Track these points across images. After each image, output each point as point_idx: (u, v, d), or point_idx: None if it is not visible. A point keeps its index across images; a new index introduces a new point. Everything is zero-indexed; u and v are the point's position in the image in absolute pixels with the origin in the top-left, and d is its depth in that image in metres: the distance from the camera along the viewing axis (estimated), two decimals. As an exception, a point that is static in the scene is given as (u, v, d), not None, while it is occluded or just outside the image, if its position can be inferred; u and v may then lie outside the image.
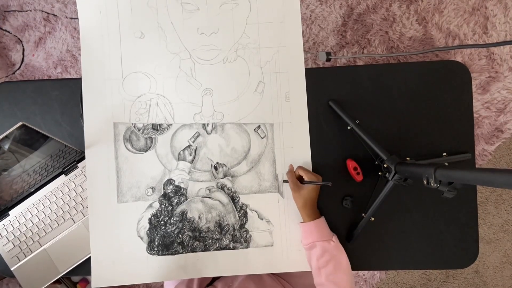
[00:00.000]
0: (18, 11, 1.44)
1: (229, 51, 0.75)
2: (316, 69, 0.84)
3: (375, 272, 1.44)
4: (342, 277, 0.64)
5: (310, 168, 0.74)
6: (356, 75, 0.77)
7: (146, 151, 0.74)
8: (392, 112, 0.76)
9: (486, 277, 1.43)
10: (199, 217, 0.74)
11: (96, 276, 0.72)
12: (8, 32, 1.44)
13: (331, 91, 0.77)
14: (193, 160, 0.75)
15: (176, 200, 0.74)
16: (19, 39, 1.44)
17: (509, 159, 1.39)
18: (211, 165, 0.75)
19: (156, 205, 0.74)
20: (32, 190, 0.76)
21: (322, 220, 0.69)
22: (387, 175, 0.66)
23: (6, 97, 0.79)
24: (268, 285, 0.74)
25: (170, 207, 0.74)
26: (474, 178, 0.43)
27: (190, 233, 0.73)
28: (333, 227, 0.72)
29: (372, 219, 0.72)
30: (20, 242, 0.75)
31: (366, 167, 0.74)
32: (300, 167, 0.71)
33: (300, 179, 0.71)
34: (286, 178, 0.73)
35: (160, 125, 0.75)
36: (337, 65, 1.38)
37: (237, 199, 0.74)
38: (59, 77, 1.42)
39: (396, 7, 1.37)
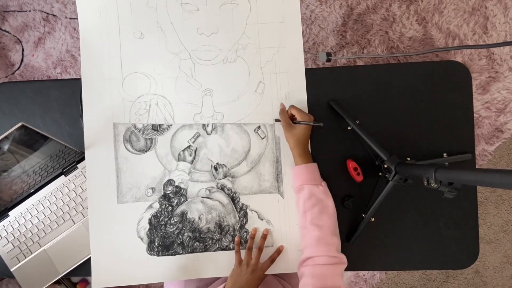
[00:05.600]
0: (17, 11, 1.43)
1: (229, 52, 0.75)
2: (316, 69, 0.84)
3: (375, 272, 1.44)
4: (326, 221, 0.64)
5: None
6: (356, 75, 0.77)
7: (146, 151, 0.74)
8: (392, 112, 0.76)
9: (486, 277, 1.43)
10: (199, 218, 0.74)
11: (96, 277, 0.72)
12: (8, 32, 1.44)
13: (331, 91, 0.76)
14: (193, 161, 0.75)
15: (176, 201, 0.74)
16: (18, 39, 1.44)
17: (509, 159, 1.39)
18: (211, 165, 0.75)
19: (156, 205, 0.74)
20: (32, 191, 0.76)
21: (313, 165, 0.69)
22: (387, 175, 0.66)
23: (6, 98, 0.78)
24: (269, 285, 0.74)
25: (170, 207, 0.74)
26: (474, 179, 0.43)
27: (190, 234, 0.73)
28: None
29: (373, 219, 0.72)
30: (20, 243, 0.74)
31: (366, 167, 0.74)
32: (292, 106, 0.70)
33: (292, 119, 0.70)
34: (278, 119, 0.73)
35: (160, 125, 0.75)
36: (337, 65, 1.38)
37: (237, 199, 0.74)
38: (58, 78, 1.42)
39: (396, 7, 1.37)
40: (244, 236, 0.73)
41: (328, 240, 0.62)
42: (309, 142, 0.72)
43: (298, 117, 0.68)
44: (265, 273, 0.70)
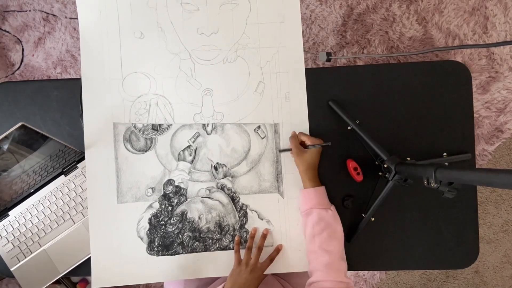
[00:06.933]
0: (17, 11, 1.43)
1: (229, 51, 0.75)
2: (316, 69, 0.84)
3: (375, 272, 1.44)
4: (335, 246, 0.64)
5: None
6: (356, 75, 0.77)
7: (146, 151, 0.74)
8: (392, 112, 0.76)
9: (486, 277, 1.43)
10: (199, 218, 0.74)
11: (96, 277, 0.72)
12: (8, 32, 1.44)
13: (331, 91, 0.76)
14: (193, 161, 0.75)
15: (176, 201, 0.74)
16: (18, 39, 1.44)
17: (509, 159, 1.39)
18: (211, 165, 0.75)
19: (156, 205, 0.74)
20: (32, 190, 0.76)
21: (322, 189, 0.70)
22: (387, 175, 0.66)
23: (6, 98, 0.79)
24: (269, 284, 0.74)
25: (170, 207, 0.74)
26: (474, 178, 0.43)
27: (190, 234, 0.73)
28: (333, 227, 0.72)
29: (373, 219, 0.72)
30: (20, 242, 0.74)
31: (366, 167, 0.74)
32: (301, 133, 0.71)
33: (302, 145, 0.71)
34: (284, 149, 0.74)
35: (160, 125, 0.75)
36: (337, 65, 1.38)
37: (237, 199, 0.74)
38: (58, 77, 1.42)
39: (396, 7, 1.37)
40: (244, 235, 0.73)
41: (336, 266, 0.63)
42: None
43: (309, 142, 0.69)
44: (265, 272, 0.70)
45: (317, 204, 0.67)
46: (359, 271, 1.44)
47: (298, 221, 0.73)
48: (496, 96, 1.36)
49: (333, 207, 0.69)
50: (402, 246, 0.75)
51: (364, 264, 0.75)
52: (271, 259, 0.71)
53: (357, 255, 0.74)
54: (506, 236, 1.41)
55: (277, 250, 0.72)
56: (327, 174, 0.74)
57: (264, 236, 0.72)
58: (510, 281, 1.43)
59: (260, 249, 0.71)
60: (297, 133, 0.73)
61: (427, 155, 0.74)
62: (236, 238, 0.72)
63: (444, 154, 0.74)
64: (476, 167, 1.00)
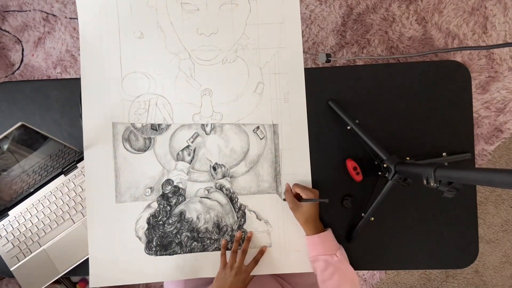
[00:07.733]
0: (17, 11, 1.43)
1: (228, 52, 0.75)
2: (316, 69, 0.84)
3: (375, 272, 1.44)
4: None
5: (309, 172, 0.74)
6: (355, 75, 0.77)
7: (144, 151, 0.74)
8: (392, 112, 0.76)
9: (485, 276, 1.43)
10: (198, 218, 0.74)
11: (94, 276, 0.72)
12: (8, 32, 1.44)
13: (330, 91, 0.76)
14: (191, 161, 0.75)
15: (174, 201, 0.74)
16: (18, 39, 1.44)
17: (508, 158, 1.39)
18: (210, 165, 0.75)
19: (155, 205, 0.74)
20: (32, 190, 0.76)
21: (327, 234, 0.69)
22: (386, 175, 0.66)
23: (6, 97, 0.79)
24: (268, 285, 0.74)
25: (168, 207, 0.74)
26: (473, 178, 0.43)
27: (188, 234, 0.73)
28: (332, 227, 0.72)
29: (372, 219, 0.72)
30: (20, 242, 0.74)
31: (366, 167, 0.74)
32: (296, 185, 0.70)
33: (298, 197, 0.70)
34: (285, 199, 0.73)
35: (159, 125, 0.75)
36: (337, 65, 1.38)
37: (236, 199, 0.74)
38: (58, 77, 1.42)
39: (395, 7, 1.36)
40: (242, 236, 0.73)
41: None
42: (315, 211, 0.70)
43: (303, 195, 0.68)
44: (253, 273, 0.70)
45: (323, 252, 0.67)
46: (359, 271, 1.44)
47: (296, 223, 0.73)
48: (496, 96, 1.36)
49: (340, 251, 0.68)
50: (401, 245, 0.75)
51: (364, 264, 0.75)
52: (255, 261, 0.70)
53: (357, 255, 0.74)
54: (506, 236, 1.41)
55: (261, 252, 0.72)
56: (327, 174, 0.74)
57: (248, 239, 0.72)
58: (510, 280, 1.42)
59: (244, 251, 0.70)
60: (291, 186, 0.72)
61: (427, 154, 0.74)
62: (222, 241, 0.72)
63: (443, 154, 0.74)
64: (476, 166, 1.00)
